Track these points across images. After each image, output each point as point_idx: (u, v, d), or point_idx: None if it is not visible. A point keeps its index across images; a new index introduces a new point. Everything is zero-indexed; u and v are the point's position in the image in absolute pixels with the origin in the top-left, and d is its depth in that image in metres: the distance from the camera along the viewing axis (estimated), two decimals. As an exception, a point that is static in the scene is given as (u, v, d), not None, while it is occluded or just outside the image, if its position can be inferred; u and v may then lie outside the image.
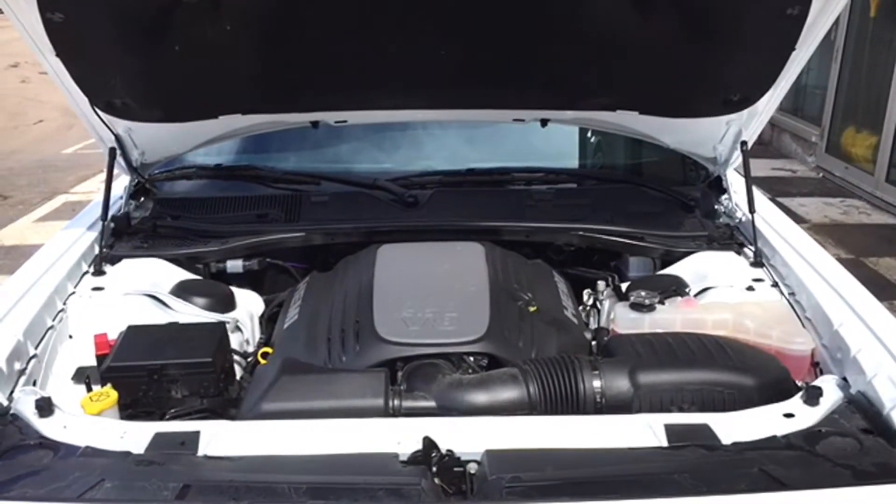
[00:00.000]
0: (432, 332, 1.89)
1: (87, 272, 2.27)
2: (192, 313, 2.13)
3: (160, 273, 2.29)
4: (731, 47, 2.13)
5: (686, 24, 2.06)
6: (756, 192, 2.48)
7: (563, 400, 1.69)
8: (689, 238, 2.48)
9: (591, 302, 2.34)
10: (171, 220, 2.58)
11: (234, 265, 2.47)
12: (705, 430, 1.51)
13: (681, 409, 1.69)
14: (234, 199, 2.69)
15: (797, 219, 5.99)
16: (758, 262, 2.32)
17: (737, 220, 2.57)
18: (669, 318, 2.03)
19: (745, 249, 2.41)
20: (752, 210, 2.42)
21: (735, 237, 2.49)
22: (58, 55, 2.05)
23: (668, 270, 2.36)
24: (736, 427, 1.52)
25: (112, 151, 2.44)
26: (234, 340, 2.09)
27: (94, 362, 1.89)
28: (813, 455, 1.44)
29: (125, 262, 2.33)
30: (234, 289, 2.33)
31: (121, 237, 2.46)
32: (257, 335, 2.30)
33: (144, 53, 2.12)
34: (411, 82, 2.28)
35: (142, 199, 2.69)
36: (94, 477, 1.35)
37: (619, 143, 3.03)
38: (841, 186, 7.44)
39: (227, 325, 2.05)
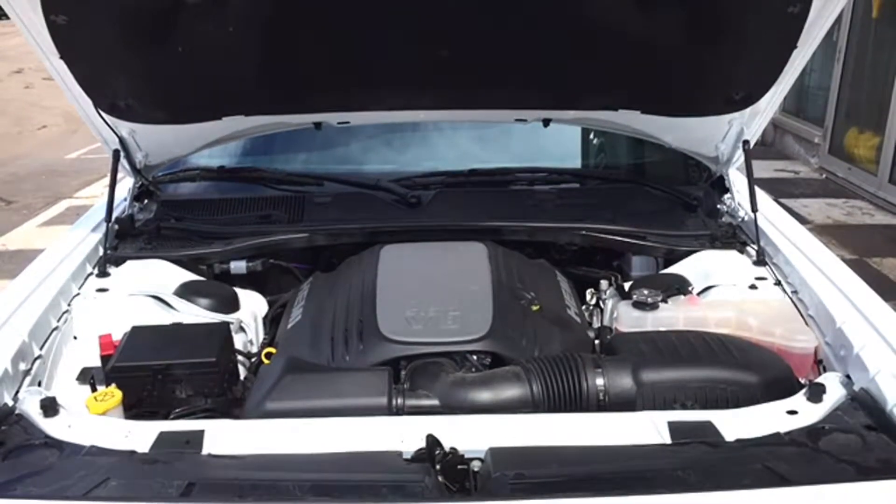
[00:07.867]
0: (435, 330, 1.89)
1: (91, 273, 2.28)
2: (196, 314, 2.13)
3: (164, 274, 2.30)
4: (733, 45, 2.14)
5: (687, 23, 2.06)
6: (758, 191, 2.48)
7: (566, 398, 1.69)
8: (692, 237, 2.48)
9: (594, 301, 2.34)
10: (174, 222, 2.58)
11: (238, 266, 2.47)
12: (709, 426, 1.51)
13: (684, 407, 1.69)
14: (238, 201, 2.69)
15: (800, 220, 5.92)
16: (760, 261, 2.31)
17: (739, 219, 2.57)
18: (672, 316, 2.03)
19: (748, 248, 2.41)
20: (754, 209, 2.42)
21: (738, 236, 2.48)
22: (62, 57, 2.06)
23: (671, 269, 2.36)
24: (739, 424, 1.52)
25: (116, 153, 2.44)
26: (238, 341, 2.10)
27: (98, 363, 1.89)
28: (816, 451, 1.44)
29: (129, 263, 2.34)
30: (237, 290, 2.33)
31: (125, 239, 2.47)
32: (261, 335, 2.30)
33: (148, 55, 2.13)
34: (413, 83, 2.29)
35: (145, 201, 2.70)
36: (99, 475, 1.35)
37: (622, 143, 3.03)
38: (844, 187, 7.43)
39: (231, 326, 2.05)
